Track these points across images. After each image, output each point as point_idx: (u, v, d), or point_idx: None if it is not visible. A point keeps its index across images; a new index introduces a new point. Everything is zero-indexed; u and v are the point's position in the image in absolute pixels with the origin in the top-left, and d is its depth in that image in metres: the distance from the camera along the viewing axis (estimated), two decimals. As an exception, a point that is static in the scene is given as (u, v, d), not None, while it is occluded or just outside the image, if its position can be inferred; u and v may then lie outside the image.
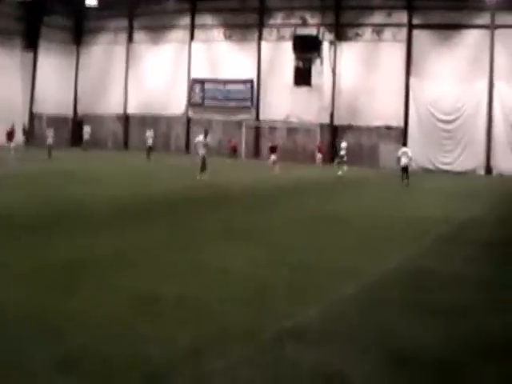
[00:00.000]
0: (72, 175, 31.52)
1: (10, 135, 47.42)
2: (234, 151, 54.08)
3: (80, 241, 14.04)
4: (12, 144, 45.74)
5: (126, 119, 64.05)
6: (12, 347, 7.48)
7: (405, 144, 40.87)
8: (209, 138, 35.21)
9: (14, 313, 8.91)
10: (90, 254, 12.71)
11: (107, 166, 40.62)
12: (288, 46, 53.98)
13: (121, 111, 63.92)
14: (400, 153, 35.02)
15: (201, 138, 34.29)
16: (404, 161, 34.39)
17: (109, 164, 43.07)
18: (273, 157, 41.55)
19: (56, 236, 14.76)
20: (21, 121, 58.79)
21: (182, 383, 6.60)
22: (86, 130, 58.47)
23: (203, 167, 32.45)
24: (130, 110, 63.76)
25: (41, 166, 36.24)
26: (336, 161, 44.17)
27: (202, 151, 33.43)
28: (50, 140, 44.92)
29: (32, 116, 62.20)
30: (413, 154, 36.28)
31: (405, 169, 34.11)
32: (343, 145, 44.64)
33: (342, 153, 43.53)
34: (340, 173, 40.28)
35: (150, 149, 49.17)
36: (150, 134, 50.67)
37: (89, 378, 6.67)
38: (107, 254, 12.83)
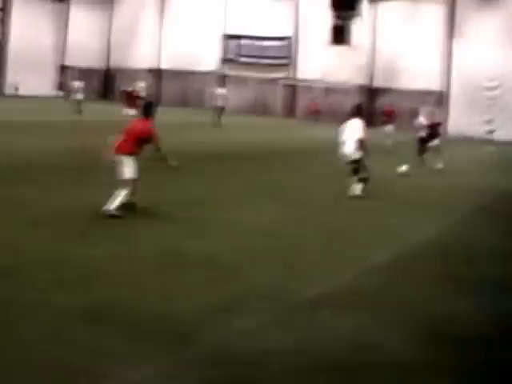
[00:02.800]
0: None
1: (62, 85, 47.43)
2: (316, 113, 52.71)
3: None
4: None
5: (158, 73, 63.48)
6: (36, 293, 7.40)
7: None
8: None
9: (42, 261, 8.77)
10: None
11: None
12: (326, 3, 52.97)
13: (153, 65, 63.37)
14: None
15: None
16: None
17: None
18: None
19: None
20: (52, 71, 58.63)
21: (210, 341, 6.35)
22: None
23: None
24: (163, 65, 63.21)
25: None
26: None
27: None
28: (79, 95, 39.25)
29: (63, 68, 61.87)
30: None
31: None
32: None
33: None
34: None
35: (222, 110, 39.73)
36: (222, 92, 42.21)
37: (115, 330, 6.49)
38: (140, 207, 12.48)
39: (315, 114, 52.38)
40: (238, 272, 8.77)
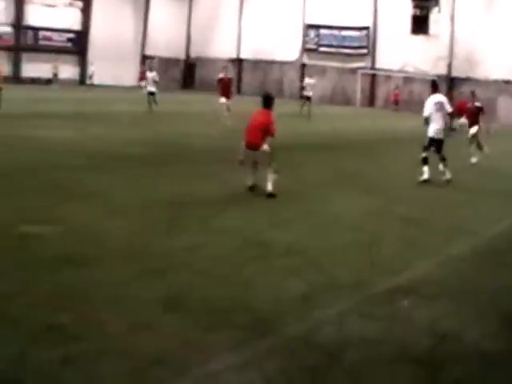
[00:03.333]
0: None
1: (143, 75, 48.01)
2: (396, 103, 52.33)
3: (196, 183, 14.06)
4: (143, 83, 46.29)
5: (238, 63, 63.74)
6: (117, 282, 7.55)
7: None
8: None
9: (119, 246, 9.02)
10: (199, 195, 12.73)
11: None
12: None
13: (233, 55, 63.64)
14: None
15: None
16: None
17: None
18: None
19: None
20: (133, 62, 59.45)
21: (290, 330, 6.40)
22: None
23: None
24: (243, 54, 63.44)
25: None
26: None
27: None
28: (151, 87, 35.31)
29: (144, 58, 62.69)
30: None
31: None
32: None
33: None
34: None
35: (308, 99, 38.48)
36: (310, 81, 40.11)
37: (193, 318, 6.58)
38: (216, 196, 12.64)
39: (395, 104, 51.85)
40: (318, 262, 8.79)
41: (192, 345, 5.95)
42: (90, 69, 57.19)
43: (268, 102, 12.85)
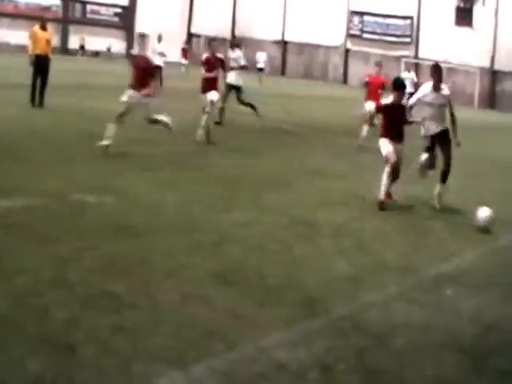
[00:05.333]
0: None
1: (185, 52, 48.17)
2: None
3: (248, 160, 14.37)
4: (184, 61, 46.49)
5: (283, 45, 63.59)
6: (171, 253, 7.70)
7: None
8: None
9: (173, 218, 9.25)
10: (249, 174, 13.00)
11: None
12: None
13: (278, 37, 63.47)
14: None
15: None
16: None
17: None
18: None
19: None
20: (178, 39, 59.61)
21: (338, 311, 6.49)
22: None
23: None
24: (287, 37, 63.27)
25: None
26: None
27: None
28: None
29: (190, 36, 62.80)
30: None
31: None
32: None
33: None
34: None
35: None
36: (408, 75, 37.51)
37: (245, 293, 6.70)
38: (266, 175, 12.82)
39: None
40: (366, 244, 8.86)
41: (244, 319, 6.05)
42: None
43: (399, 85, 12.15)
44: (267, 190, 11.58)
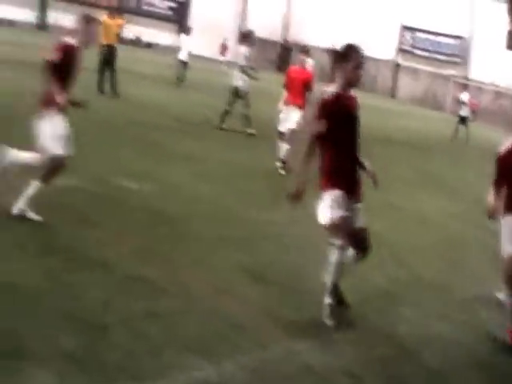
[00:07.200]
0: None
1: (224, 49, 48.25)
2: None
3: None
4: (223, 58, 46.55)
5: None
6: (206, 244, 7.82)
7: None
8: None
9: (210, 210, 9.34)
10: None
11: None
12: (503, 7, 51.21)
13: (328, 45, 63.35)
14: None
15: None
16: None
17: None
18: None
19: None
20: (230, 38, 59.79)
21: (373, 322, 6.49)
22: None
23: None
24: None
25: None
26: None
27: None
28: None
29: (242, 35, 62.95)
30: None
31: None
32: None
33: None
34: None
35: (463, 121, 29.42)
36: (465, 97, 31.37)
37: (279, 292, 6.73)
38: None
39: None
40: (403, 258, 8.83)
41: (275, 319, 6.01)
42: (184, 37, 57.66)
43: None
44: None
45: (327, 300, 6.12)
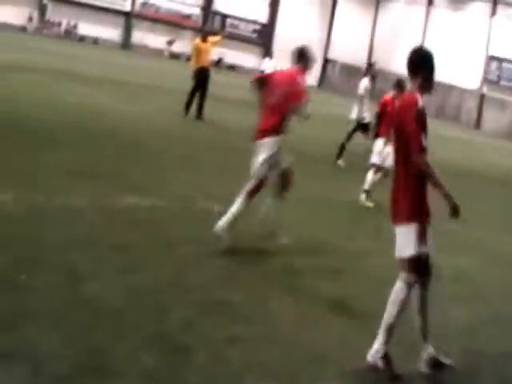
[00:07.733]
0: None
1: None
2: None
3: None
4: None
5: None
6: (292, 272, 7.78)
7: None
8: None
9: (298, 238, 9.19)
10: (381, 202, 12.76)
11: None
12: None
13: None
14: None
15: None
16: None
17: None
18: None
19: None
20: (316, 65, 60.08)
21: (451, 359, 6.18)
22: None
23: None
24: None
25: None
26: None
27: None
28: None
29: (326, 61, 63.08)
30: None
31: None
32: None
33: None
34: None
35: None
36: None
37: (360, 324, 6.62)
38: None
39: None
40: (487, 294, 8.64)
41: (358, 351, 5.85)
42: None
43: None
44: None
45: (377, 343, 5.67)
